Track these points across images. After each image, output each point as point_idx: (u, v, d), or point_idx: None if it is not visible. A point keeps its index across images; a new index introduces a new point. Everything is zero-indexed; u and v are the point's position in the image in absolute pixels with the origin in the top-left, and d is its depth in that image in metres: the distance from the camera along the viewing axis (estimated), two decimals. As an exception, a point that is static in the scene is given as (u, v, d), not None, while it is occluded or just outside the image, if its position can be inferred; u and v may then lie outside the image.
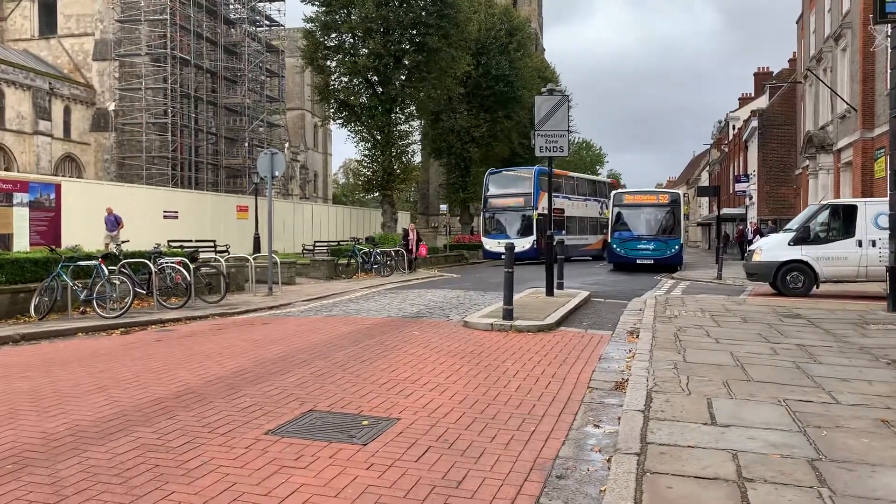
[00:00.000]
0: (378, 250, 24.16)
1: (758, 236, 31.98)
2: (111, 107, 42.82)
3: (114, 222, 21.40)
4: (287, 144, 58.34)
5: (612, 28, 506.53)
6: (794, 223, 17.09)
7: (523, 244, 31.29)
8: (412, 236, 27.01)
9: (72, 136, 42.11)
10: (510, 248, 11.33)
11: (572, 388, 6.79)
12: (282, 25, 52.75)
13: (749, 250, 18.09)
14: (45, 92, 39.93)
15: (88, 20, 43.79)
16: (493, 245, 33.68)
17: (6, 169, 36.00)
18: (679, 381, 6.58)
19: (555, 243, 15.93)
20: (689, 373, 6.93)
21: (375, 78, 32.98)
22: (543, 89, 15.67)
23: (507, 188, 34.37)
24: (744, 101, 58.17)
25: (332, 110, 35.77)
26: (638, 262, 27.49)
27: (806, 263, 15.77)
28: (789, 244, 16.03)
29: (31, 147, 38.95)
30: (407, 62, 32.98)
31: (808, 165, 31.27)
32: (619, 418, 5.45)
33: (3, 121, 37.75)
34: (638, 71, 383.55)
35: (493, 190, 34.86)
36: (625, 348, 8.90)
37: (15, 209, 19.91)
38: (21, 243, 19.40)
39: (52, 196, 21.27)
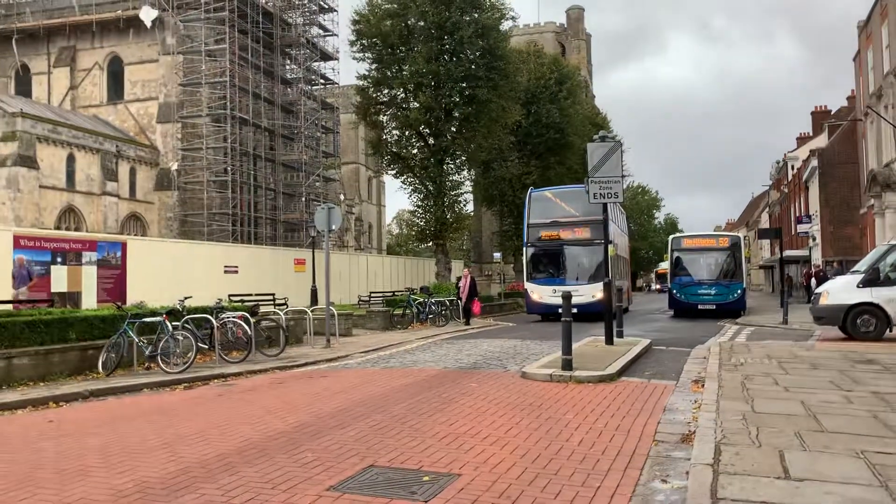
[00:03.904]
0: (433, 300, 24.20)
1: (813, 280, 31.05)
2: (174, 166, 44.45)
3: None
4: (342, 198, 59.49)
5: (683, 64, 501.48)
6: (862, 264, 16.50)
7: (592, 293, 22.70)
8: (464, 283, 24.02)
9: (137, 196, 43.76)
10: (567, 296, 11.16)
11: (637, 441, 6.61)
12: (336, 83, 54.28)
13: (815, 293, 17.52)
14: (113, 154, 41.73)
15: (153, 85, 45.86)
16: (543, 294, 25.13)
17: (76, 229, 37.53)
18: (748, 432, 6.34)
19: (615, 289, 15.67)
20: (759, 423, 6.67)
21: (427, 130, 33.57)
22: (595, 136, 15.68)
23: (563, 213, 26.04)
24: (802, 140, 57.14)
25: (386, 163, 36.50)
26: (699, 307, 26.90)
27: (877, 306, 15.15)
28: (858, 286, 15.44)
29: (99, 207, 40.58)
30: (457, 114, 33.51)
31: (873, 204, 30.36)
32: (688, 472, 5.27)
33: (73, 183, 39.52)
34: (706, 108, 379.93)
35: (540, 216, 26.06)
36: (690, 398, 8.65)
37: (84, 268, 20.66)
38: (89, 300, 20.07)
39: (119, 254, 22.02)
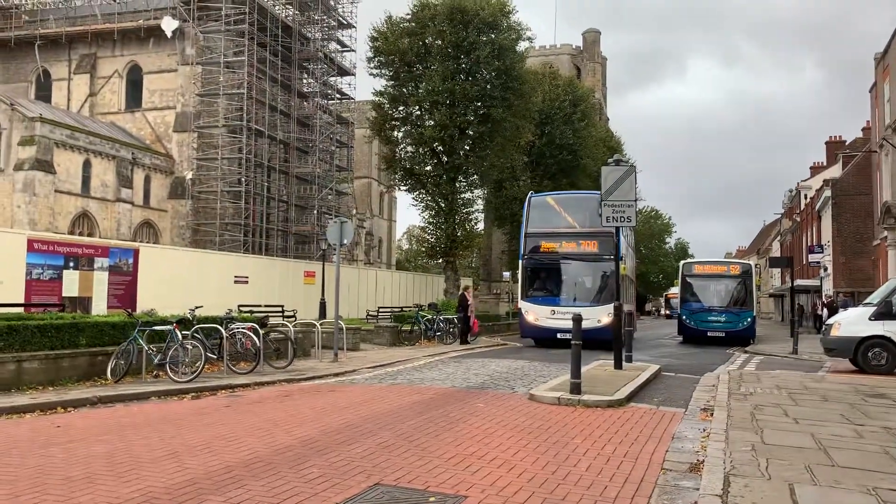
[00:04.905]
0: (441, 317, 24.14)
1: (825, 310, 30.86)
2: (188, 175, 44.72)
3: None
4: (354, 212, 59.68)
5: (702, 86, 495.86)
6: (875, 297, 16.42)
7: (597, 317, 20.11)
8: (471, 301, 23.36)
9: (150, 204, 44.02)
10: (577, 318, 11.09)
11: (645, 468, 6.56)
12: (352, 98, 54.63)
13: (827, 324, 17.40)
14: (129, 162, 42.06)
15: (171, 95, 46.25)
16: (540, 315, 22.14)
17: (89, 234, 37.76)
18: (758, 463, 6.29)
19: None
20: (769, 455, 6.62)
21: (440, 148, 33.67)
22: (610, 160, 15.68)
23: (567, 223, 23.00)
24: (815, 169, 57.00)
25: (398, 178, 36.63)
26: (709, 334, 26.79)
27: (889, 339, 15.05)
28: (870, 319, 15.35)
29: (113, 214, 40.84)
30: (471, 133, 33.62)
31: (886, 237, 30.18)
32: (696, 503, 5.23)
33: (88, 189, 39.81)
34: (722, 131, 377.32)
35: (540, 225, 23.02)
36: (699, 427, 8.59)
37: (95, 273, 20.78)
38: (99, 306, 20.16)
39: (131, 260, 22.12)
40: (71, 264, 20.07)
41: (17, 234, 20.69)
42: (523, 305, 22.92)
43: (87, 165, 39.78)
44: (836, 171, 45.57)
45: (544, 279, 23.08)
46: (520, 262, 23.64)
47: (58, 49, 48.16)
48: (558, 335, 20.88)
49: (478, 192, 39.00)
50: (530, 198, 23.87)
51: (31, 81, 49.30)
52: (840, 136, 54.29)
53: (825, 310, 31.14)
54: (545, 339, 22.20)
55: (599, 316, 20.26)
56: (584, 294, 22.29)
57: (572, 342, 10.81)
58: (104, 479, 5.95)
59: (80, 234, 37.08)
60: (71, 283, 19.94)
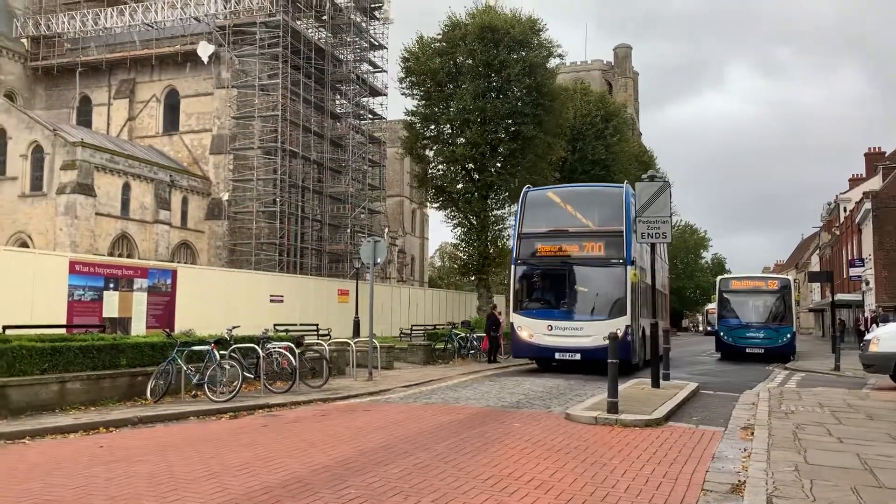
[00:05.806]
0: (475, 335, 24.04)
1: (874, 326, 30.12)
2: (225, 197, 45.46)
3: None
4: (386, 230, 60.00)
5: (741, 97, 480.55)
6: (919, 312, 16.03)
7: (603, 333, 14.59)
8: (503, 320, 22.70)
9: (188, 225, 44.79)
10: (613, 337, 10.96)
11: (685, 489, 6.47)
12: (384, 118, 55.13)
13: (865, 340, 17.02)
14: (166, 184, 42.92)
15: (207, 118, 47.19)
16: (535, 331, 18.76)
17: (128, 255, 38.51)
18: (801, 485, 6.17)
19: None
20: (813, 476, 6.48)
21: (472, 165, 33.75)
22: (644, 175, 15.58)
23: (570, 221, 19.45)
24: (855, 182, 55.95)
25: (430, 196, 36.82)
26: (747, 350, 26.35)
27: (934, 356, 14.66)
28: (912, 334, 15.00)
29: (152, 235, 41.65)
30: (502, 150, 33.65)
31: (930, 249, 29.49)
32: (739, 526, 5.15)
33: (128, 211, 40.69)
34: (761, 142, 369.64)
35: (537, 224, 19.63)
36: (739, 446, 8.44)
37: (134, 294, 21.18)
38: (138, 327, 20.52)
39: (169, 281, 22.50)
40: (111, 285, 20.48)
41: (59, 257, 21.23)
42: (515, 319, 19.39)
43: (126, 188, 40.66)
44: (875, 183, 44.70)
45: (541, 288, 19.89)
46: (511, 267, 20.20)
47: (98, 75, 49.46)
48: (557, 355, 18.58)
49: (509, 208, 38.99)
50: (526, 192, 20.35)
51: (72, 107, 50.63)
52: (880, 148, 53.29)
53: (874, 325, 30.35)
54: (543, 359, 19.61)
55: (605, 332, 16.90)
56: (587, 306, 18.98)
57: (609, 361, 10.68)
58: (147, 499, 6.04)
59: (120, 255, 37.83)
60: (111, 304, 20.35)
